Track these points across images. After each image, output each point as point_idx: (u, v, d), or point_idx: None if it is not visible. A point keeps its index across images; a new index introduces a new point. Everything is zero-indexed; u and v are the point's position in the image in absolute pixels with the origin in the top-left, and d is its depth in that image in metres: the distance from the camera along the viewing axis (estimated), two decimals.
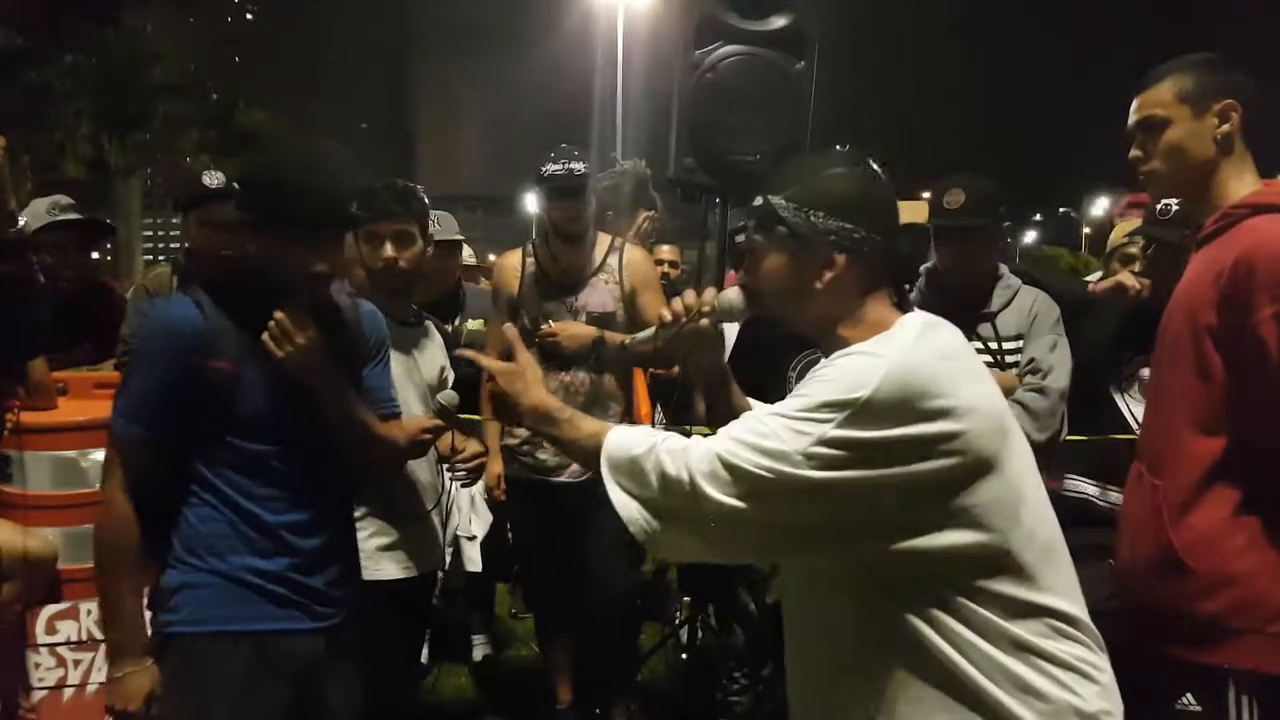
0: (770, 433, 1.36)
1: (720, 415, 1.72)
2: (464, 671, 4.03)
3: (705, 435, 1.45)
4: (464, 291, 3.97)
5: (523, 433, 3.34)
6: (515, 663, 4.21)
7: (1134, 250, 3.20)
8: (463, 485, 3.11)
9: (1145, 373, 2.59)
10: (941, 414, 1.34)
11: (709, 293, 1.66)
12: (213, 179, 3.32)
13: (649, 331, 1.70)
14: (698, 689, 3.61)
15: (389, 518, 2.63)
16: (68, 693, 2.76)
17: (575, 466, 3.30)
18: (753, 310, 1.64)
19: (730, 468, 1.36)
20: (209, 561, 1.88)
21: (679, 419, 4.01)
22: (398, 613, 2.65)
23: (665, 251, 4.58)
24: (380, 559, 2.61)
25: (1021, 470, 1.43)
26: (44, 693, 2.73)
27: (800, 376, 3.25)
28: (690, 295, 1.67)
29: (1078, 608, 1.44)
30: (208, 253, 3.22)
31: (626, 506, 1.43)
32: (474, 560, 3.80)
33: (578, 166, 3.24)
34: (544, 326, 3.29)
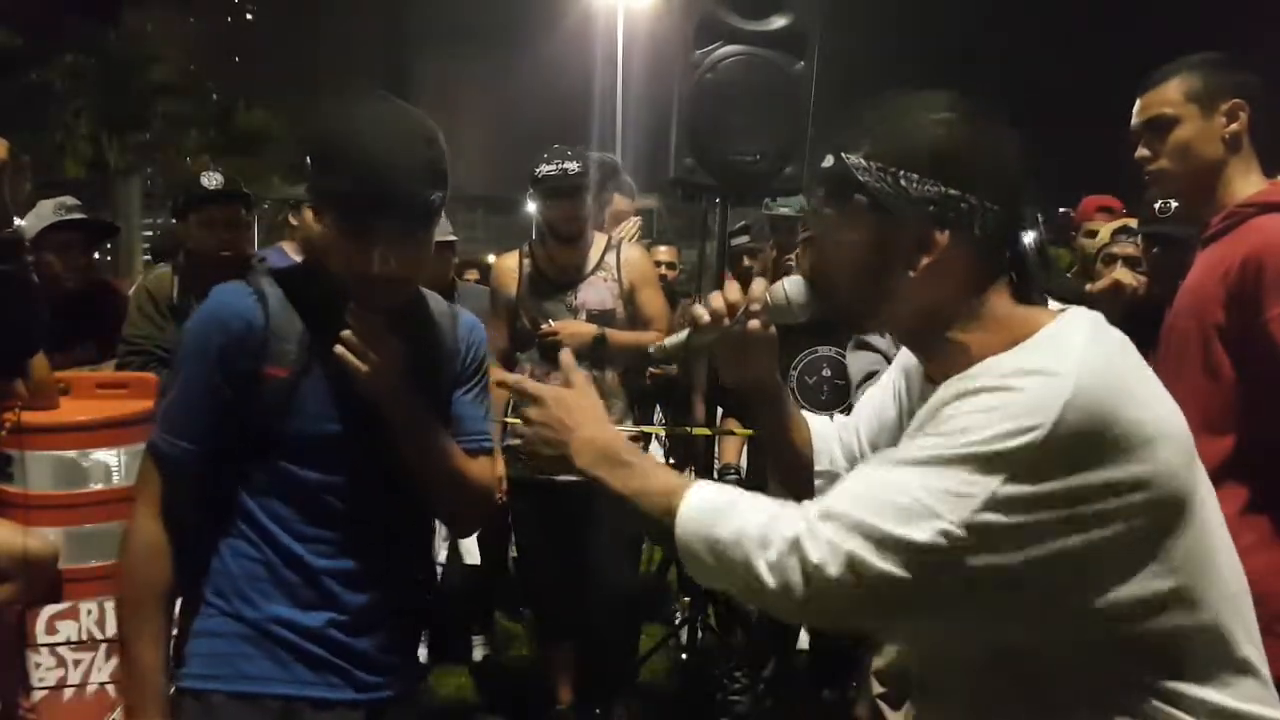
0: (913, 504, 0.99)
1: (771, 438, 1.44)
2: (464, 671, 4.03)
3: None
4: (458, 293, 3.96)
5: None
6: (515, 663, 4.21)
7: (1118, 250, 3.20)
8: None
9: None
10: (1133, 448, 1.00)
11: (758, 285, 1.29)
12: (212, 180, 3.33)
13: (680, 336, 1.35)
14: (698, 689, 3.61)
15: None
16: (68, 693, 2.76)
17: None
18: (817, 305, 1.27)
19: (859, 571, 0.99)
20: (235, 606, 1.58)
21: (679, 420, 4.03)
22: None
23: (663, 253, 4.59)
24: None
25: (1212, 507, 1.11)
26: (44, 693, 2.73)
27: (804, 375, 3.28)
28: (734, 289, 1.30)
29: (1263, 661, 1.13)
30: (209, 255, 3.23)
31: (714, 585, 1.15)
32: (472, 552, 3.80)
33: (571, 166, 3.24)
34: (544, 325, 3.29)
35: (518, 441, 3.34)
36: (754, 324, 1.29)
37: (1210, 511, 1.10)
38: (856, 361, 2.94)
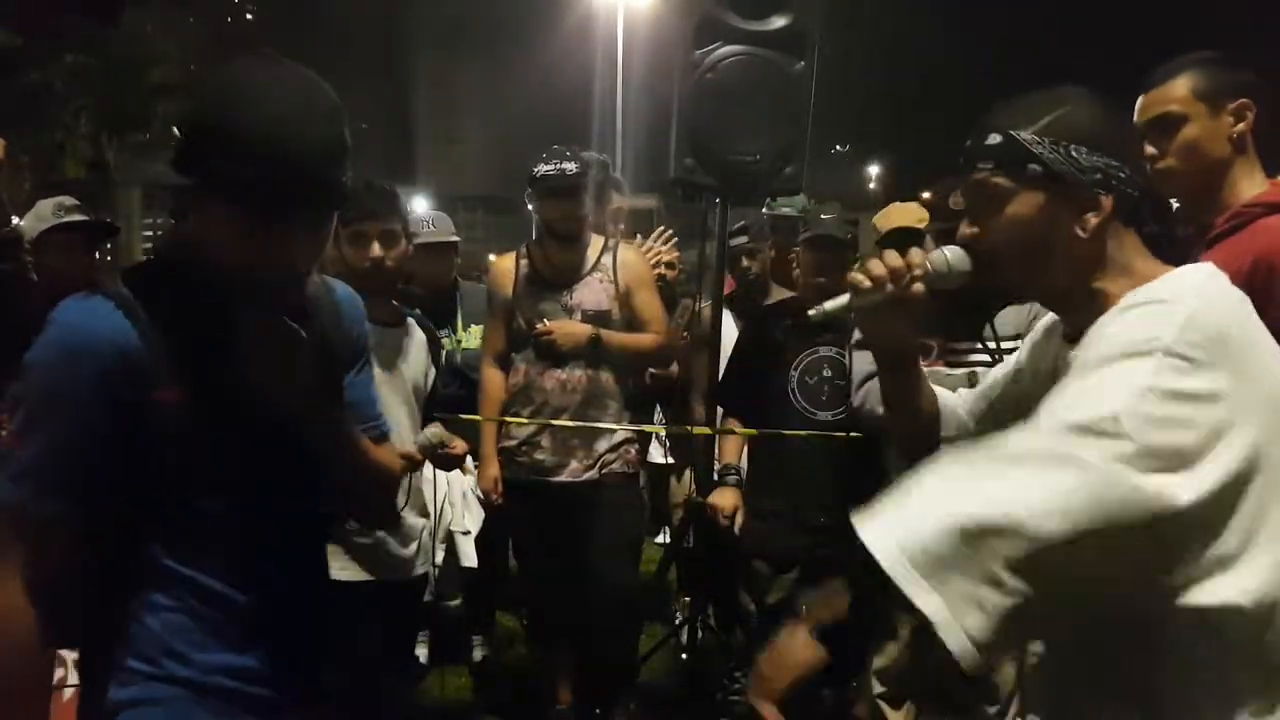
0: (1086, 403, 1.09)
1: (900, 407, 1.53)
2: (464, 672, 4.03)
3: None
4: (460, 292, 3.95)
5: (521, 433, 3.34)
6: (515, 663, 4.21)
7: None
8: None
9: None
10: (1246, 365, 1.12)
11: (917, 253, 1.40)
12: None
13: (840, 300, 1.41)
14: (698, 689, 3.60)
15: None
16: (68, 693, 2.75)
17: (575, 465, 3.31)
18: (976, 268, 1.38)
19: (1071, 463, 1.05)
20: (165, 666, 1.36)
21: (679, 420, 4.02)
22: (383, 615, 2.59)
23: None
24: (347, 561, 2.54)
25: None
26: None
27: (804, 375, 3.27)
28: (893, 255, 1.40)
29: None
30: None
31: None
32: (469, 555, 3.80)
33: (569, 166, 3.24)
34: (539, 325, 3.29)
35: (512, 442, 3.39)
36: (918, 288, 1.39)
37: None
38: (857, 362, 2.94)
